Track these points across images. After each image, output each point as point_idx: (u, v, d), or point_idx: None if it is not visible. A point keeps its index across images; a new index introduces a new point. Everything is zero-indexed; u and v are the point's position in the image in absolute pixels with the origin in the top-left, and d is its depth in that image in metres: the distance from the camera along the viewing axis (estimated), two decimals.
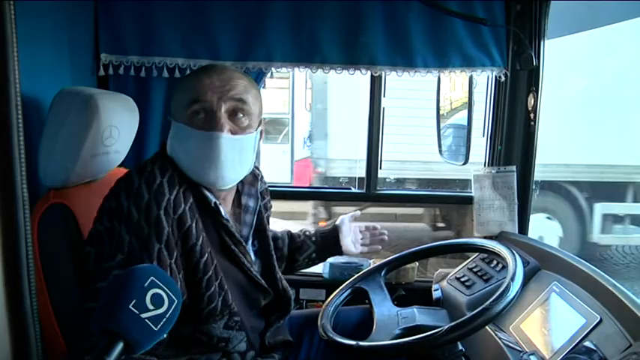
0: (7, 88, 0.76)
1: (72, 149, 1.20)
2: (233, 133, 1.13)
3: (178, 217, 1.08)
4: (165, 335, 0.78)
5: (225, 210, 1.20)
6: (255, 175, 1.32)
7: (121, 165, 1.41)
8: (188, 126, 1.12)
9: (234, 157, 1.14)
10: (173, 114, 1.17)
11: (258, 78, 1.78)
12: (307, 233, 1.58)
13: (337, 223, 1.60)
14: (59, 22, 1.52)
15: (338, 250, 1.58)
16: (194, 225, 1.10)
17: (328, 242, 1.57)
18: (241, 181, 1.24)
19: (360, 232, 1.64)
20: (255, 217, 1.30)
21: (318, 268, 1.93)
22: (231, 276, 1.18)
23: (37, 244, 1.13)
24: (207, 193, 1.16)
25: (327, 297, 1.42)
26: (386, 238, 1.65)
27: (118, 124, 1.29)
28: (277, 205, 1.52)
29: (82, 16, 1.67)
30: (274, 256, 1.34)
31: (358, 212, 1.66)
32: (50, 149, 1.21)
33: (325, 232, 1.59)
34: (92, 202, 1.22)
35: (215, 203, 1.16)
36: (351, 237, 1.60)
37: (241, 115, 1.15)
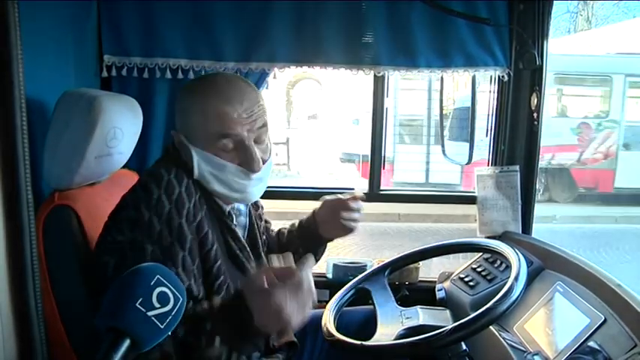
0: (11, 90, 0.76)
1: (76, 150, 1.20)
2: (263, 161, 1.17)
3: (197, 224, 1.10)
4: (169, 333, 0.78)
5: None
6: None
7: (124, 166, 1.41)
8: (220, 159, 1.13)
9: (264, 180, 1.20)
10: (192, 139, 1.15)
11: (260, 79, 1.78)
12: (291, 229, 1.49)
13: (316, 209, 1.45)
14: (62, 23, 1.52)
15: (321, 240, 1.44)
16: (210, 231, 1.12)
17: (310, 233, 1.44)
18: None
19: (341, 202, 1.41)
20: (248, 219, 1.31)
21: (322, 269, 1.93)
22: (237, 282, 1.18)
23: (42, 245, 1.13)
24: (221, 203, 1.19)
25: (330, 297, 1.42)
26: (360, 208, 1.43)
27: (122, 126, 1.29)
28: None
29: (85, 18, 1.67)
30: (264, 259, 1.34)
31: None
32: (55, 150, 1.21)
33: (306, 223, 1.45)
34: (96, 204, 1.23)
35: (229, 212, 1.20)
36: (330, 222, 1.40)
37: (265, 138, 1.18)
